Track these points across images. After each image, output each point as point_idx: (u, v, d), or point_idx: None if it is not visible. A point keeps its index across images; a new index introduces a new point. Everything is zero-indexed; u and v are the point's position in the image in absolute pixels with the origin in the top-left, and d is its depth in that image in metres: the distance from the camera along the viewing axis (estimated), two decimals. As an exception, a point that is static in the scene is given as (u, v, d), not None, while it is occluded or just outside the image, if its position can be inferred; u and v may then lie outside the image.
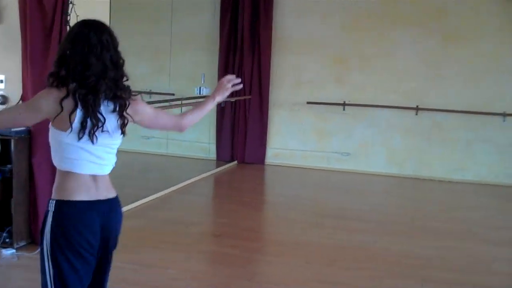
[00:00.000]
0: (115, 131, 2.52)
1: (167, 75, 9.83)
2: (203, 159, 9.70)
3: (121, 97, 2.50)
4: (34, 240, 5.01)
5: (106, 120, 2.46)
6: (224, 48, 9.49)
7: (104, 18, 5.73)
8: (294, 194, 7.78)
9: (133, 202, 6.51)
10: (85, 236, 2.47)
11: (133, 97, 2.58)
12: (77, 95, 2.40)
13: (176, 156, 9.66)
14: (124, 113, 2.52)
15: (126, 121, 2.54)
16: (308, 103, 9.32)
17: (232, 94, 9.07)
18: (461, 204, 7.72)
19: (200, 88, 8.57)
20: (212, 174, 8.75)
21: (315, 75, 9.35)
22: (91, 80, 2.41)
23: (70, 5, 5.07)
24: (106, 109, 2.47)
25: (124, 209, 5.85)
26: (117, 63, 2.51)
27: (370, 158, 9.21)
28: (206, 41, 9.77)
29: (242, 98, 9.38)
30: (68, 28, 5.01)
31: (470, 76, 8.75)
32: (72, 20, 5.03)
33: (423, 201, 7.75)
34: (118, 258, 4.47)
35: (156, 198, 6.96)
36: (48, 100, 2.42)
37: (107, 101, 2.47)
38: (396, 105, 8.98)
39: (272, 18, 9.37)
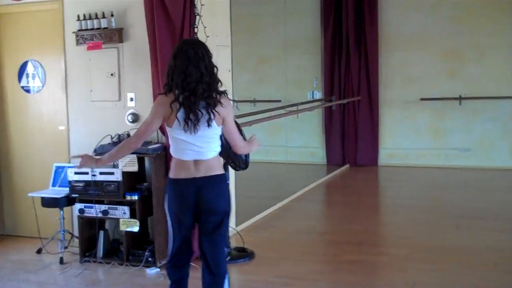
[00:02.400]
0: (205, 125, 3.17)
1: (271, 83, 9.71)
2: (313, 164, 9.49)
3: (212, 97, 3.16)
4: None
5: (203, 116, 3.14)
6: (328, 50, 9.28)
7: (226, 27, 5.71)
8: (418, 195, 7.44)
9: (259, 213, 6.39)
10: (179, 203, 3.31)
11: (224, 102, 3.23)
12: (180, 98, 3.14)
13: (285, 163, 9.48)
14: (211, 110, 3.15)
15: (212, 116, 3.16)
16: (422, 99, 8.95)
17: (340, 96, 8.99)
18: None
19: (313, 92, 8.37)
20: (326, 179, 8.52)
21: (426, 70, 8.98)
22: (192, 85, 3.13)
23: (197, 17, 4.99)
24: (201, 107, 3.15)
25: (252, 220, 5.81)
26: (211, 71, 3.21)
27: (492, 152, 8.72)
28: (309, 45, 9.58)
29: (351, 99, 9.13)
30: (196, 40, 4.96)
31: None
32: (200, 32, 4.97)
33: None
34: (265, 271, 4.40)
35: (278, 208, 6.80)
36: (162, 105, 3.22)
37: (203, 101, 3.15)
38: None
39: (377, 15, 9.08)
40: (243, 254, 5.07)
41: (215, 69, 3.26)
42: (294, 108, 7.52)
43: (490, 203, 6.83)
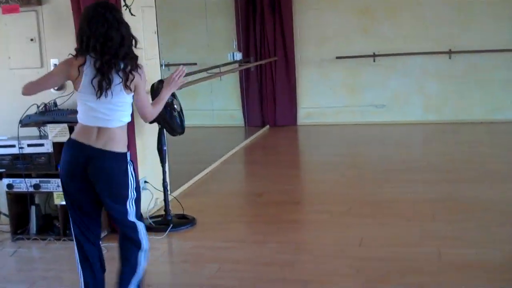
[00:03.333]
0: (117, 91, 3.06)
1: (185, 46, 9.48)
2: (233, 126, 9.43)
3: (133, 58, 3.10)
4: (113, 229, 4.76)
5: (115, 81, 3.04)
6: (243, 10, 9.15)
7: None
8: (341, 152, 7.59)
9: (190, 178, 6.29)
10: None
11: (140, 70, 3.16)
12: (97, 63, 3.02)
13: (205, 127, 9.33)
14: (129, 72, 3.07)
15: (128, 82, 3.07)
16: (337, 58, 9.05)
17: (257, 58, 8.94)
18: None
19: (233, 53, 8.25)
20: (249, 141, 8.47)
21: (340, 29, 9.06)
22: (112, 49, 3.02)
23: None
24: (115, 71, 3.05)
25: (185, 186, 5.70)
26: (131, 35, 3.13)
27: (406, 107, 9.00)
28: (222, 6, 9.41)
29: (267, 60, 9.10)
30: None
31: (503, 14, 8.53)
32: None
33: (474, 144, 7.56)
34: (210, 236, 4.34)
35: (208, 172, 6.71)
36: (69, 65, 3.11)
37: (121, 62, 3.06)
38: (428, 51, 8.74)
39: (289, -27, 9.04)
40: (184, 221, 4.97)
41: (130, 32, 3.16)
42: (217, 70, 7.39)
43: (412, 156, 7.06)
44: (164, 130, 4.93)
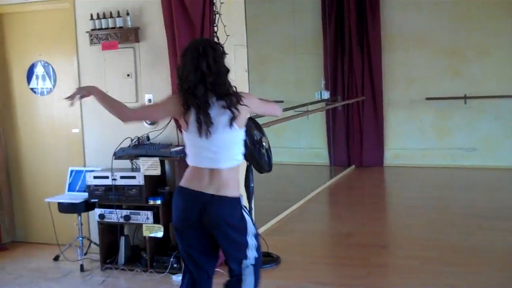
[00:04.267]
0: (225, 127, 2.87)
1: (272, 83, 9.57)
2: (318, 165, 9.37)
3: (229, 94, 2.88)
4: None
5: (216, 117, 2.85)
6: (331, 50, 9.17)
7: (241, 26, 5.56)
8: (429, 195, 7.35)
9: (275, 216, 6.26)
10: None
11: (244, 95, 2.96)
12: (187, 100, 2.87)
13: (290, 164, 9.31)
14: (233, 108, 2.86)
15: (235, 115, 2.87)
16: (427, 99, 8.88)
17: (344, 97, 8.88)
18: None
19: (321, 92, 8.24)
20: (334, 180, 8.39)
21: (428, 69, 8.90)
22: (190, 85, 2.86)
23: (217, 15, 4.85)
24: (217, 107, 2.88)
25: (270, 223, 5.66)
26: (218, 70, 2.89)
27: (498, 152, 8.67)
28: (311, 45, 9.46)
29: (355, 100, 9.04)
30: (215, 38, 4.81)
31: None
32: (220, 31, 4.83)
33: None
34: (296, 276, 4.27)
35: (293, 210, 6.67)
36: (174, 102, 2.97)
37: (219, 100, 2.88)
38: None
39: (379, 14, 9.00)
40: (269, 259, 4.93)
41: (224, 67, 2.94)
42: (305, 108, 7.40)
43: (503, 203, 6.74)
44: (252, 167, 4.94)
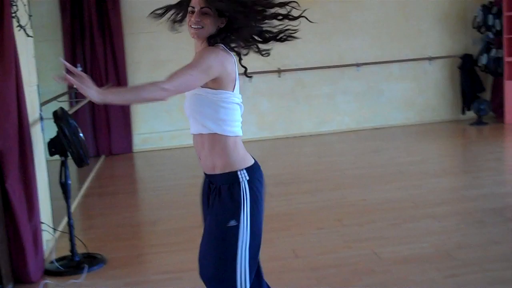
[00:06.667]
0: None
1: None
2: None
3: None
4: (21, 279, 4.26)
5: None
6: (69, 36, 8.70)
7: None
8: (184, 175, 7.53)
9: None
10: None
11: None
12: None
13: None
14: None
15: None
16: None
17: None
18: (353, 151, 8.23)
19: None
20: (94, 173, 8.04)
21: (175, 52, 9.08)
22: None
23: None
24: None
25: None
26: None
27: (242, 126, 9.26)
28: (48, 31, 8.85)
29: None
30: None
31: (323, 35, 9.28)
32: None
33: (327, 155, 8.10)
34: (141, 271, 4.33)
35: (77, 207, 6.27)
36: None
37: None
38: (259, 70, 9.14)
39: (119, -1, 8.85)
40: (95, 260, 4.58)
41: None
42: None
43: (275, 170, 7.14)
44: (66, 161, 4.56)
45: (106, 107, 8.92)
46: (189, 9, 2.55)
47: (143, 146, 9.21)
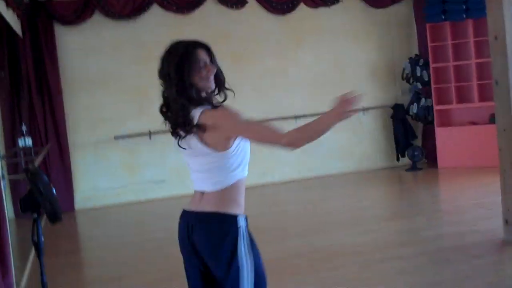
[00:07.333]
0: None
1: None
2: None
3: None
4: None
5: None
6: (7, 94, 8.51)
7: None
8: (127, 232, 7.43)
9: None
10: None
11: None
12: None
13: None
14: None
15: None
16: (115, 138, 8.97)
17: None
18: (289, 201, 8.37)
19: (24, 139, 7.58)
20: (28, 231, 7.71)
21: (116, 109, 9.04)
22: None
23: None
24: None
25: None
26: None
27: (185, 180, 9.24)
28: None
29: (44, 149, 8.56)
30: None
31: (263, 90, 9.58)
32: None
33: (275, 205, 8.24)
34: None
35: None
36: None
37: None
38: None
39: (57, 58, 8.77)
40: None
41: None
42: None
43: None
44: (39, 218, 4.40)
45: (46, 167, 8.71)
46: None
47: (85, 204, 9.00)
